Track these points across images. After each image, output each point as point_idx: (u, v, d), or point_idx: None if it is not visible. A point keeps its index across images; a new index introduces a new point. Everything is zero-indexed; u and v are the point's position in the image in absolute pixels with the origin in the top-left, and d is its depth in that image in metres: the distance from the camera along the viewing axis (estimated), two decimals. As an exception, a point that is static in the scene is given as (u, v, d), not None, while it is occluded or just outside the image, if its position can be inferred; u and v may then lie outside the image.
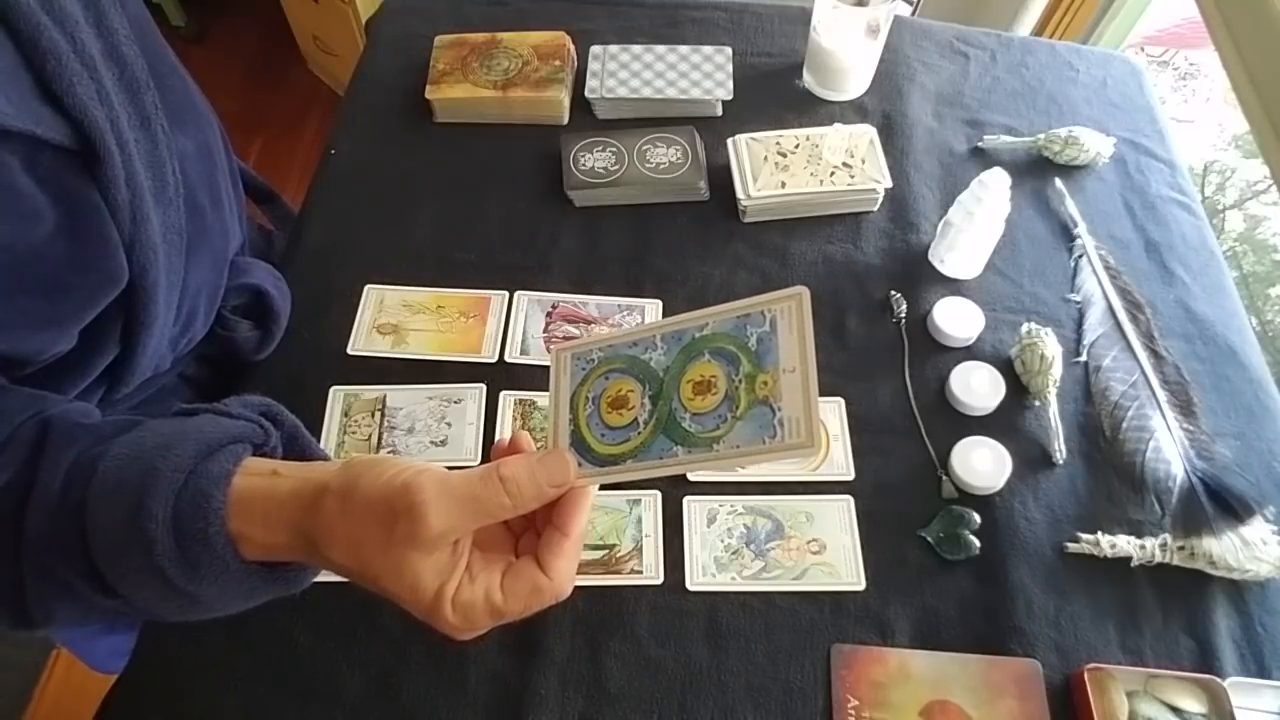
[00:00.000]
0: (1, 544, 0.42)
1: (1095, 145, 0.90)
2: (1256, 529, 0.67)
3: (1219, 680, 0.61)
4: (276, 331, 0.74)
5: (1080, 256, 0.85)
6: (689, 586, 0.67)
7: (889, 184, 0.86)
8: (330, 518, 0.40)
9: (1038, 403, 0.75)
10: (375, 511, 0.38)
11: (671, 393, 0.41)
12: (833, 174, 0.86)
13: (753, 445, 0.38)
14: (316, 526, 0.40)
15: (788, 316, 0.38)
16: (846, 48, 0.91)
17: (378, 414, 0.74)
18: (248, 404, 0.48)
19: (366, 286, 0.82)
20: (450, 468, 0.73)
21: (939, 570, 0.68)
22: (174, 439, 0.42)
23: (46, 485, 0.42)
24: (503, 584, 0.40)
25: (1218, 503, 0.68)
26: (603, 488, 0.57)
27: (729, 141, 0.88)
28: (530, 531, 0.44)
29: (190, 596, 0.42)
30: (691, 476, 0.71)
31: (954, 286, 0.83)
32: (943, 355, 0.79)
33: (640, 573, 0.67)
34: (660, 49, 0.96)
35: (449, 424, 0.74)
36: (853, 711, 0.61)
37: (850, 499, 0.71)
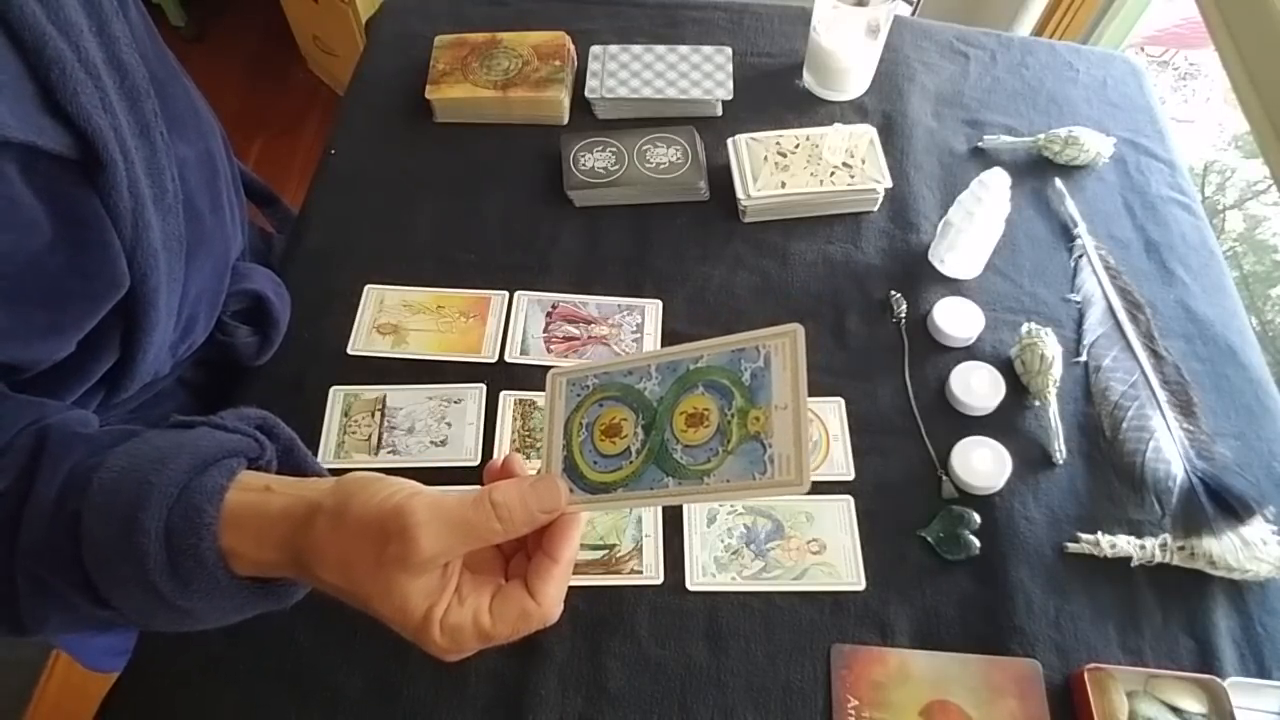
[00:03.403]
0: None
1: (1095, 145, 0.90)
2: (1256, 529, 0.67)
3: (1219, 680, 0.61)
4: (275, 337, 0.74)
5: (1080, 256, 0.85)
6: (689, 586, 0.67)
7: (889, 184, 0.86)
8: (321, 537, 0.40)
9: (1038, 403, 0.75)
10: (367, 532, 0.38)
11: (664, 423, 0.41)
12: (833, 174, 0.86)
13: (742, 480, 0.38)
14: (307, 545, 0.40)
15: (782, 353, 0.39)
16: (846, 48, 0.91)
17: (378, 414, 0.74)
18: (244, 417, 0.47)
19: (366, 286, 0.82)
20: (450, 468, 0.73)
21: (939, 570, 0.68)
22: (169, 452, 0.42)
23: (42, 495, 0.42)
24: (491, 607, 0.40)
25: (1218, 503, 0.68)
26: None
27: (729, 141, 0.88)
28: (521, 554, 0.44)
29: (181, 610, 0.42)
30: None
31: (954, 286, 0.83)
32: (943, 355, 0.79)
33: (640, 573, 0.67)
34: (660, 49, 0.96)
35: (449, 424, 0.74)
36: (853, 711, 0.61)
37: (850, 499, 0.70)
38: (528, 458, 0.44)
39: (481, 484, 0.42)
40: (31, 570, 0.42)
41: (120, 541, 0.40)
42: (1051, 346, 0.75)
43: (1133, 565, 0.67)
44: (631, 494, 0.40)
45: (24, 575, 0.42)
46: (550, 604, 0.40)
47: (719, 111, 0.95)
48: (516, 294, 0.82)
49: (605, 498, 0.41)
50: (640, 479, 0.40)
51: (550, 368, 0.47)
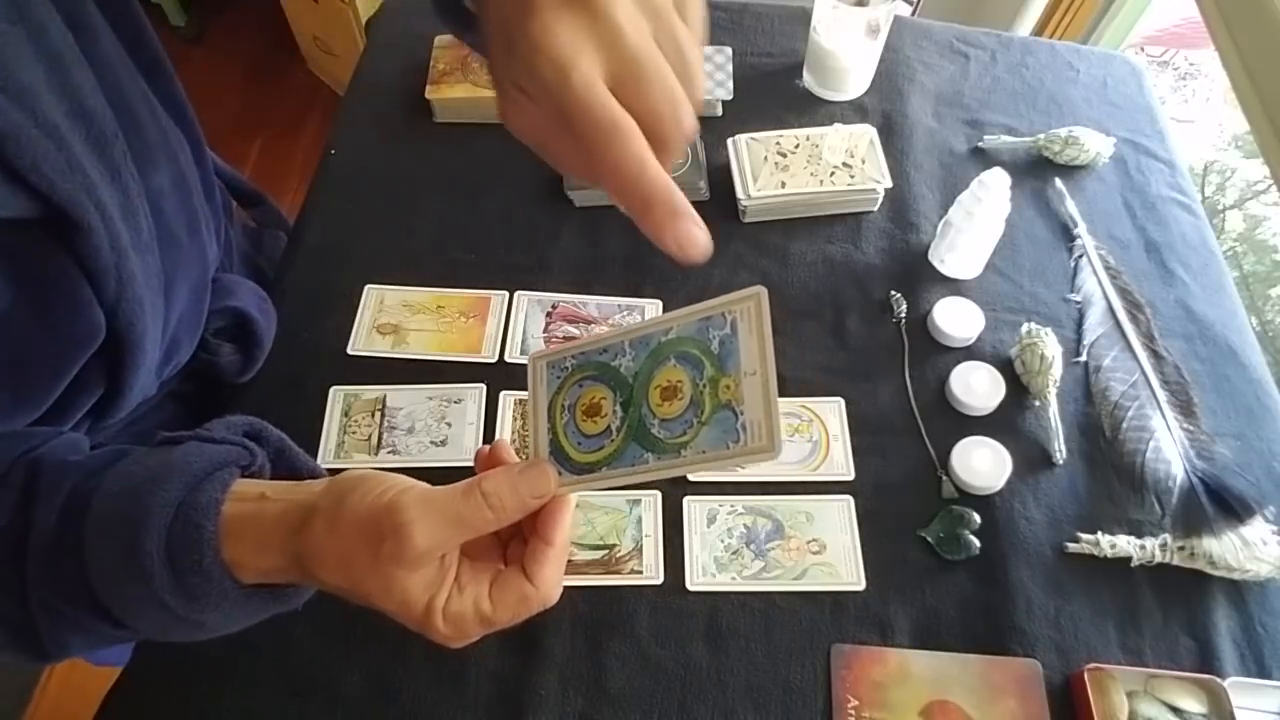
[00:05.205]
0: (6, 587, 0.42)
1: (1095, 145, 0.90)
2: (1256, 529, 0.67)
3: (1219, 680, 0.61)
4: (259, 355, 0.72)
5: (1080, 256, 0.85)
6: (689, 586, 0.67)
7: (889, 184, 0.86)
8: (319, 539, 0.40)
9: (1038, 403, 0.75)
10: (362, 531, 0.39)
11: (641, 399, 0.41)
12: (833, 174, 0.86)
13: (717, 450, 0.37)
14: (306, 548, 0.40)
15: (747, 318, 0.38)
16: (846, 48, 0.91)
17: (378, 414, 0.74)
18: (231, 425, 0.47)
19: (366, 286, 0.82)
20: (450, 468, 0.73)
21: (939, 570, 0.68)
22: (161, 472, 0.42)
23: (42, 528, 0.42)
24: (491, 593, 0.41)
25: (1218, 503, 0.68)
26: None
27: (729, 141, 0.88)
28: (518, 538, 0.44)
29: (195, 623, 0.43)
30: (691, 476, 0.71)
31: (954, 286, 0.83)
32: (943, 355, 0.79)
33: (640, 573, 0.67)
34: (660, 49, 0.96)
35: (449, 424, 0.74)
36: (853, 711, 0.61)
37: (850, 499, 0.70)
38: (525, 457, 0.44)
39: None
40: (45, 600, 0.43)
41: (125, 565, 0.41)
42: (1051, 346, 0.75)
43: (1133, 565, 0.67)
44: (615, 472, 0.40)
45: (39, 605, 0.43)
46: (548, 586, 0.41)
47: (719, 111, 0.95)
48: (516, 294, 0.82)
49: (591, 477, 0.41)
50: (622, 456, 0.40)
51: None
